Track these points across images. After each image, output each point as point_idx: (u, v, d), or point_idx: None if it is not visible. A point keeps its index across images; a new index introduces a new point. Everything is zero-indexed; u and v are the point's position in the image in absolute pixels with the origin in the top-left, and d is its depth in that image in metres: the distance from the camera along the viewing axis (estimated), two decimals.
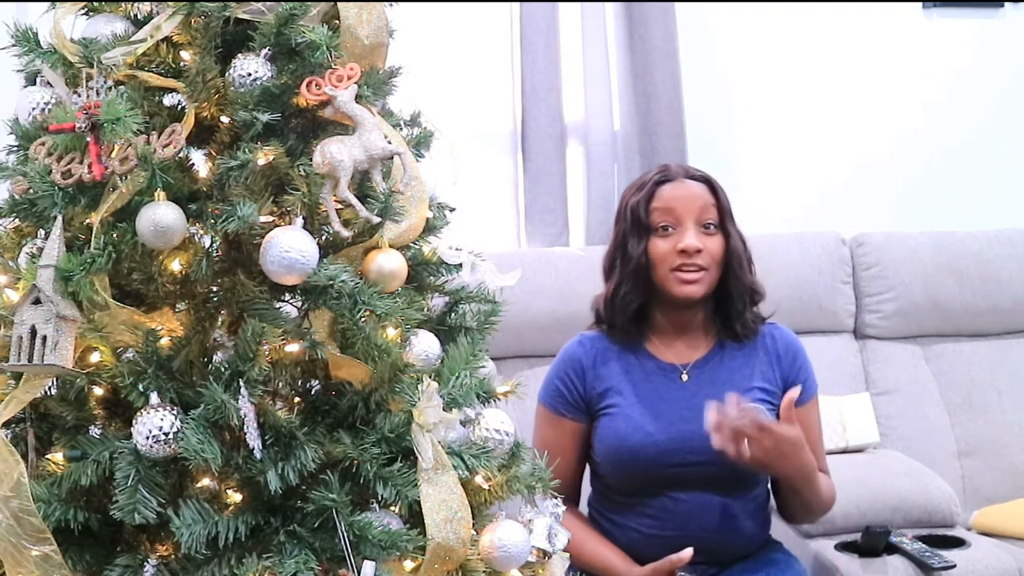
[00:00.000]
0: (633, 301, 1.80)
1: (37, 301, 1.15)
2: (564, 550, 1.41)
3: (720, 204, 1.78)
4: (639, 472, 1.75)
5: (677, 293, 1.76)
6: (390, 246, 1.29)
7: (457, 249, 1.44)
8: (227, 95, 1.22)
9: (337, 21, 1.29)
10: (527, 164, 2.78)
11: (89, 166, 1.16)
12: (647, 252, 1.77)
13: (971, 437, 2.64)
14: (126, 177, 1.16)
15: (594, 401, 1.83)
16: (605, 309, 1.85)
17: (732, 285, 1.79)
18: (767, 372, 1.82)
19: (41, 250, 1.18)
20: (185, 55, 1.25)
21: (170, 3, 1.22)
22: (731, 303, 1.80)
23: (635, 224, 1.78)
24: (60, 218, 1.18)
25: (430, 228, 1.41)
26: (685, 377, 1.81)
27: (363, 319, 1.21)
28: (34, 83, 1.31)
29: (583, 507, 1.94)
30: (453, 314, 1.48)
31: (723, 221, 1.78)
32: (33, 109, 1.27)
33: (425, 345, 1.33)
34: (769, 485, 1.87)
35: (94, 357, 1.20)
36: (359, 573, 1.14)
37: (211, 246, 1.23)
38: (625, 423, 1.77)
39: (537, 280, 2.51)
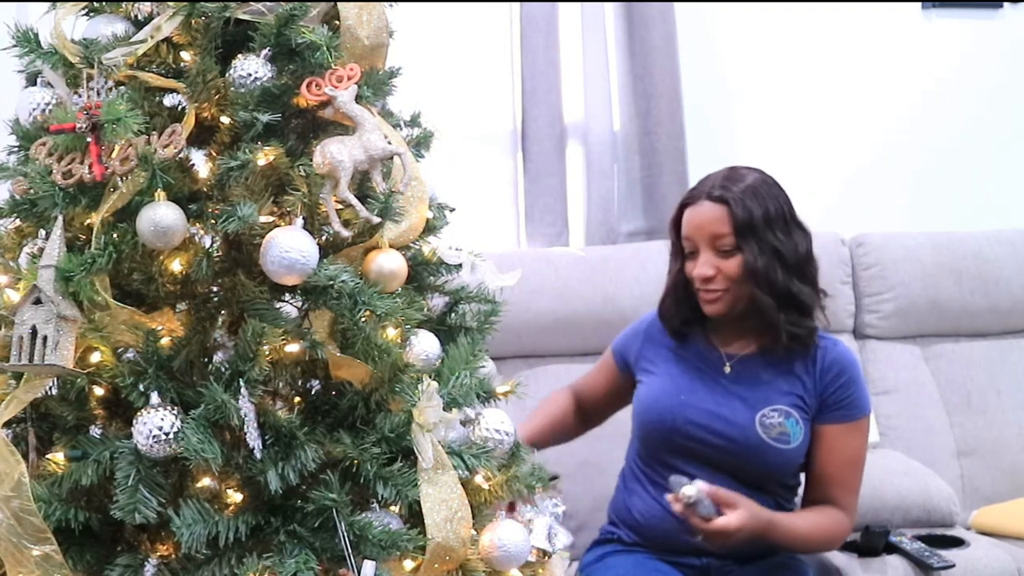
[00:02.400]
0: (675, 316, 1.89)
1: (38, 301, 1.15)
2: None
3: (736, 224, 1.75)
4: (664, 432, 1.82)
5: (704, 311, 1.84)
6: (390, 246, 1.29)
7: (457, 249, 1.44)
8: (227, 95, 1.22)
9: (337, 21, 1.29)
10: (527, 164, 2.78)
11: (90, 166, 1.16)
12: (683, 271, 1.85)
13: (970, 437, 2.64)
14: (126, 177, 1.16)
15: (641, 364, 1.93)
16: (661, 308, 1.93)
17: (758, 300, 1.78)
18: (807, 384, 1.82)
19: (42, 250, 1.18)
20: (185, 56, 1.25)
21: (170, 4, 1.23)
22: (764, 315, 1.79)
23: (674, 243, 1.87)
24: (61, 218, 1.18)
25: (430, 228, 1.41)
26: (728, 369, 1.86)
27: (363, 319, 1.21)
28: (35, 84, 1.31)
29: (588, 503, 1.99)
30: (453, 314, 1.48)
31: (739, 242, 1.76)
32: (34, 110, 1.27)
33: (425, 345, 1.33)
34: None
35: (95, 357, 1.20)
36: (359, 573, 1.14)
37: (211, 246, 1.23)
38: (662, 388, 1.87)
39: (537, 280, 2.51)
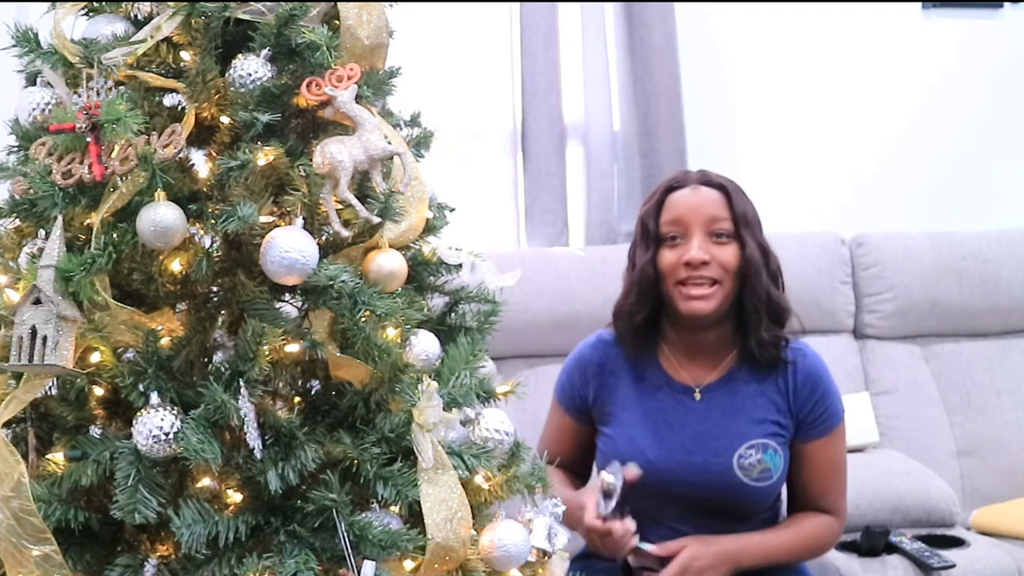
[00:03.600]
0: (638, 313, 1.72)
1: (38, 301, 1.15)
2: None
3: (735, 211, 1.66)
4: (637, 495, 1.68)
5: (683, 310, 1.67)
6: (390, 246, 1.29)
7: (457, 249, 1.44)
8: (227, 95, 1.22)
9: (337, 21, 1.29)
10: (527, 164, 2.78)
11: (89, 166, 1.16)
12: (655, 263, 1.68)
13: (970, 437, 2.64)
14: (126, 177, 1.16)
15: (598, 411, 1.80)
16: (616, 319, 1.78)
17: (746, 298, 1.67)
18: (781, 405, 1.73)
19: (41, 250, 1.18)
20: (185, 55, 1.25)
21: (170, 3, 1.22)
22: (746, 318, 1.69)
23: (644, 234, 1.71)
24: (60, 218, 1.18)
25: (430, 228, 1.41)
26: (698, 396, 1.73)
27: (363, 319, 1.21)
28: (34, 83, 1.31)
29: None
30: (453, 314, 1.48)
31: (737, 229, 1.66)
32: (33, 109, 1.27)
33: (425, 345, 1.33)
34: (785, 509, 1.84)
35: (94, 357, 1.20)
36: (359, 573, 1.14)
37: (211, 246, 1.23)
38: (627, 445, 1.73)
39: (537, 280, 2.51)
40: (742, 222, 1.67)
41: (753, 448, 1.69)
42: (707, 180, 1.71)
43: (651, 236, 1.70)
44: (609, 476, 1.61)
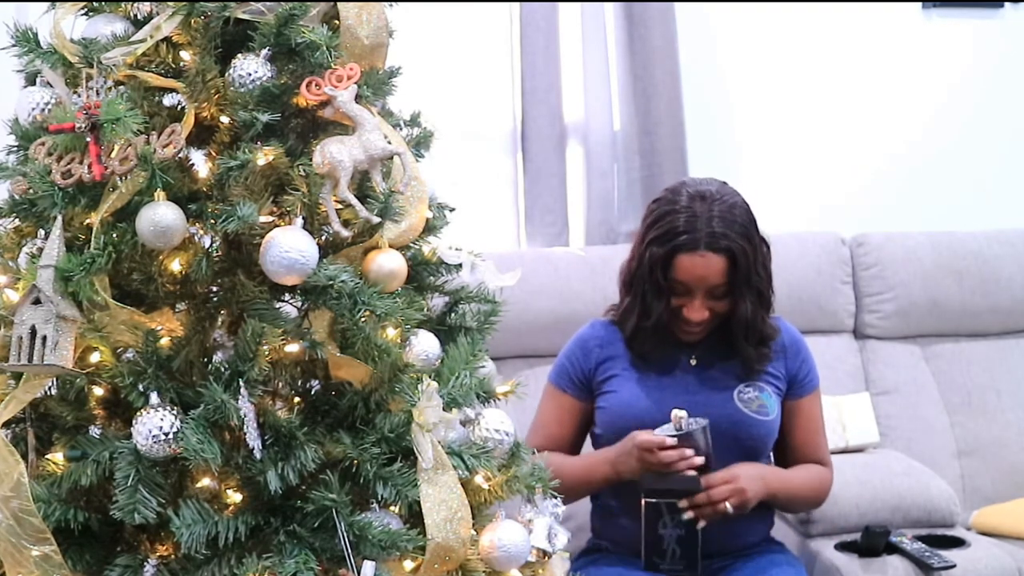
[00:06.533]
0: (655, 348, 1.88)
1: (37, 301, 1.15)
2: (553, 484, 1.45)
3: (738, 272, 1.77)
4: None
5: (679, 337, 1.87)
6: (390, 246, 1.29)
7: (457, 249, 1.44)
8: (227, 95, 1.22)
9: (337, 21, 1.29)
10: (527, 164, 2.78)
11: (89, 166, 1.16)
12: (668, 309, 1.82)
13: (970, 437, 2.64)
14: (126, 177, 1.16)
15: (597, 380, 1.91)
16: (630, 335, 1.89)
17: (735, 338, 1.84)
18: (774, 362, 1.90)
19: (41, 250, 1.18)
20: (185, 55, 1.25)
21: (170, 3, 1.23)
22: (738, 349, 1.86)
23: (654, 282, 1.81)
24: (60, 218, 1.18)
25: (430, 228, 1.41)
26: (693, 361, 1.89)
27: (363, 319, 1.21)
28: (34, 83, 1.31)
29: (586, 506, 1.98)
30: (453, 314, 1.48)
31: (732, 289, 1.79)
32: (33, 109, 1.27)
33: (425, 345, 1.33)
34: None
35: (94, 357, 1.20)
36: (359, 573, 1.14)
37: (211, 246, 1.23)
38: (629, 394, 1.85)
39: (537, 280, 2.51)
40: (742, 280, 1.80)
41: (750, 387, 1.87)
42: (713, 243, 1.76)
43: (662, 288, 1.81)
44: (681, 411, 1.73)
